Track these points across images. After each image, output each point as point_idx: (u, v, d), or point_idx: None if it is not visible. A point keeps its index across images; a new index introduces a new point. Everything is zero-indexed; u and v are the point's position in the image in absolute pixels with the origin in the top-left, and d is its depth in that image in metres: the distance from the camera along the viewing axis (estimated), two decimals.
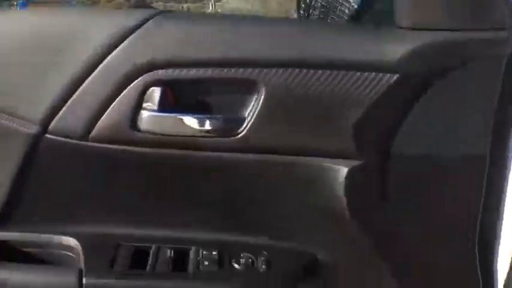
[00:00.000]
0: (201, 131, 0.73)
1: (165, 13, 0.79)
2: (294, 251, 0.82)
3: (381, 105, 0.70)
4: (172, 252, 0.80)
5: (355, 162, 0.73)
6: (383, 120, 0.72)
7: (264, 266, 0.78)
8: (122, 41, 0.72)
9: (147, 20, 0.73)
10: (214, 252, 0.79)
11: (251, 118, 0.72)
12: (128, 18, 0.74)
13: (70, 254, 0.80)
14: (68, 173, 0.78)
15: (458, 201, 0.76)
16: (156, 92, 0.73)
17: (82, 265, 0.76)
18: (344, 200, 0.74)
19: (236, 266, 0.78)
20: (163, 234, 0.82)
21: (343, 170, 0.73)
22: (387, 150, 0.73)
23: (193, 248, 0.81)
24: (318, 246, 0.82)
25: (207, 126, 0.73)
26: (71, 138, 0.75)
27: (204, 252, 0.79)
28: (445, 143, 0.74)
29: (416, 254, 0.78)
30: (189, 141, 0.74)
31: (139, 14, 0.75)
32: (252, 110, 0.72)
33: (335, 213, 0.75)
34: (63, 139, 0.75)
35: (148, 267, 0.77)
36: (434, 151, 0.74)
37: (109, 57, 0.72)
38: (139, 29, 0.73)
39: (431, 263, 0.78)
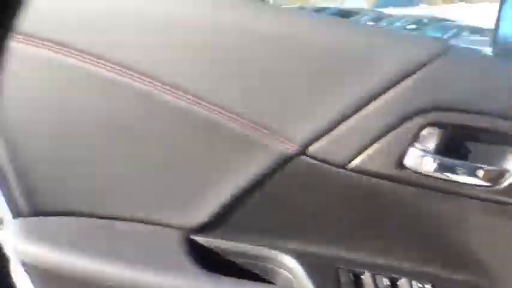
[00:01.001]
0: (465, 177, 0.70)
1: (457, 49, 0.73)
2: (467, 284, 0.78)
3: None
4: (388, 281, 0.76)
5: None
6: None
7: None
8: (412, 74, 0.68)
9: (439, 55, 0.69)
10: (427, 286, 0.76)
11: None
12: (421, 50, 0.69)
13: (287, 273, 0.76)
14: (309, 194, 0.74)
15: None
16: (429, 132, 0.69)
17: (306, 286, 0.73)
18: None
19: None
20: (371, 261, 0.78)
21: None
22: None
23: (403, 279, 0.77)
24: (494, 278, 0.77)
25: (472, 173, 0.70)
26: (328, 164, 0.70)
27: (419, 285, 0.76)
28: None
29: None
30: (448, 186, 0.71)
31: (431, 46, 0.70)
32: None
33: None
34: (318, 163, 0.70)
35: None
36: None
37: (394, 89, 0.68)
38: (431, 64, 0.68)
39: None
